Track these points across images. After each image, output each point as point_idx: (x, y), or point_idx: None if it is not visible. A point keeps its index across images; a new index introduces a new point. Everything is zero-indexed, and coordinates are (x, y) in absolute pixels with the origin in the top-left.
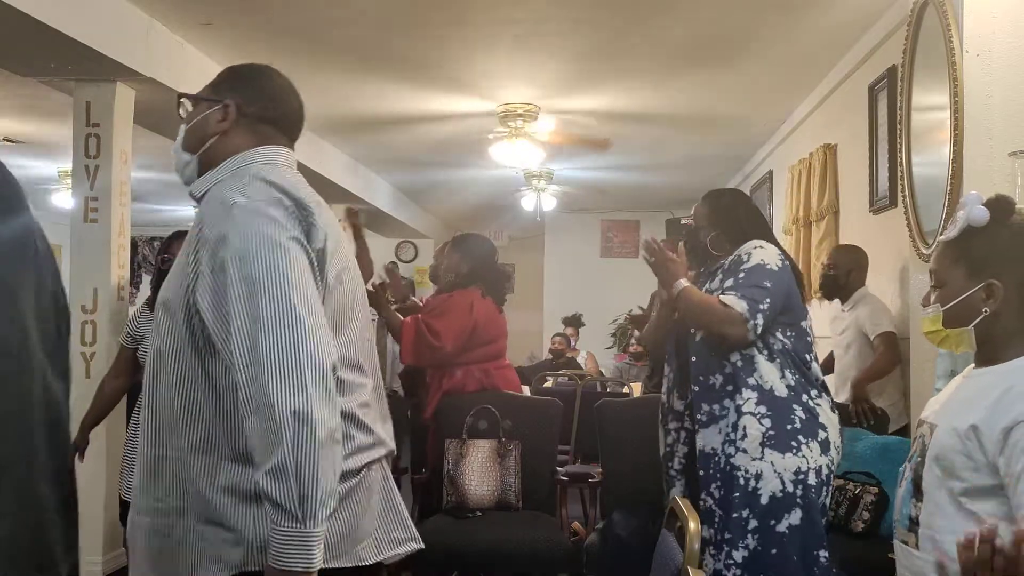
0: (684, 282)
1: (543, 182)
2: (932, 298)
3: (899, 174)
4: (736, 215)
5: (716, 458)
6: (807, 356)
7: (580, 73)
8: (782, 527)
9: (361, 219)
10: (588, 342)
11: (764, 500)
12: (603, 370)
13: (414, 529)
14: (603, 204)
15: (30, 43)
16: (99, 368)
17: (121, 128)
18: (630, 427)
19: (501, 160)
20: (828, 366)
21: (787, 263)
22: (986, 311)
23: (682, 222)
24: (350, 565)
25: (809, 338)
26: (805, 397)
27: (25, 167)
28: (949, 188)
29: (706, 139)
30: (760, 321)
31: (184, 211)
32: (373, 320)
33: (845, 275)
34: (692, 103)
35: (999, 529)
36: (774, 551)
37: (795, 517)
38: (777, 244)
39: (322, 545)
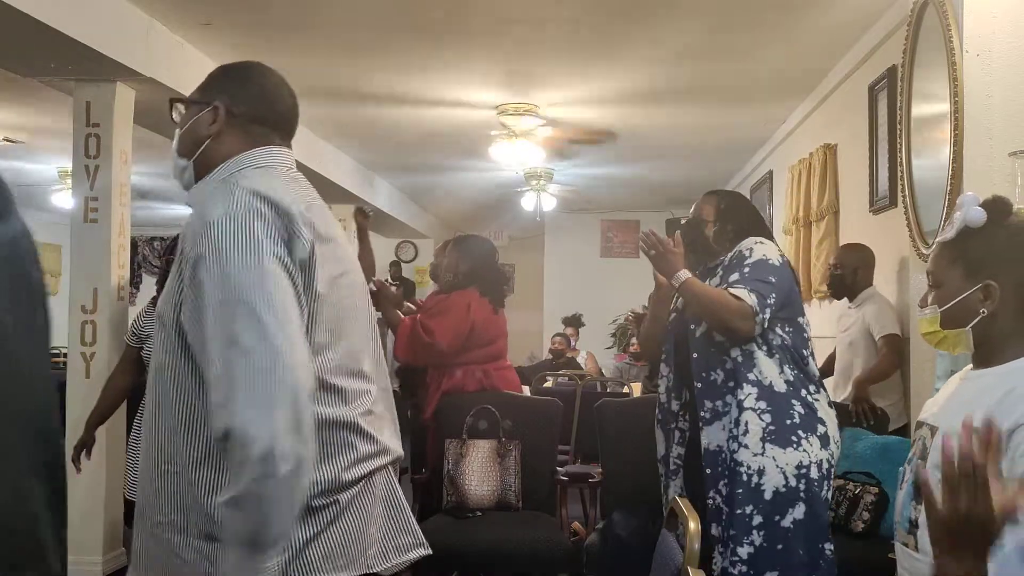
0: (686, 273)
1: (543, 182)
2: (929, 299)
3: (899, 174)
4: (740, 212)
5: (722, 455)
6: (804, 352)
7: (580, 73)
8: (787, 522)
9: (370, 220)
10: (588, 342)
11: (768, 495)
12: (603, 370)
13: (421, 535)
14: (603, 204)
15: (30, 43)
16: (99, 368)
17: (121, 128)
18: (630, 427)
19: (501, 160)
20: (829, 368)
21: (786, 259)
22: (983, 312)
23: (682, 221)
24: (359, 573)
25: (806, 334)
26: (804, 392)
27: (25, 167)
28: (949, 188)
29: (706, 139)
30: (767, 315)
31: (184, 210)
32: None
33: (852, 274)
34: (692, 103)
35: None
36: (780, 546)
37: (799, 511)
38: (775, 243)
39: None
